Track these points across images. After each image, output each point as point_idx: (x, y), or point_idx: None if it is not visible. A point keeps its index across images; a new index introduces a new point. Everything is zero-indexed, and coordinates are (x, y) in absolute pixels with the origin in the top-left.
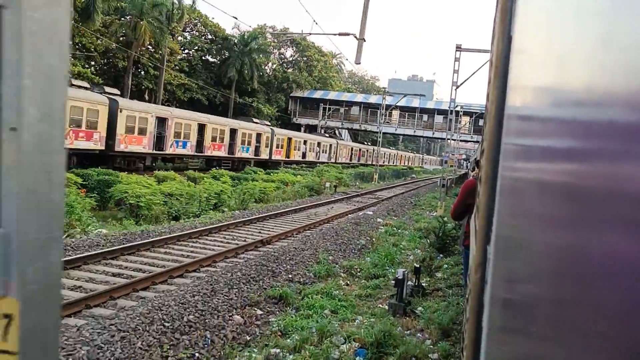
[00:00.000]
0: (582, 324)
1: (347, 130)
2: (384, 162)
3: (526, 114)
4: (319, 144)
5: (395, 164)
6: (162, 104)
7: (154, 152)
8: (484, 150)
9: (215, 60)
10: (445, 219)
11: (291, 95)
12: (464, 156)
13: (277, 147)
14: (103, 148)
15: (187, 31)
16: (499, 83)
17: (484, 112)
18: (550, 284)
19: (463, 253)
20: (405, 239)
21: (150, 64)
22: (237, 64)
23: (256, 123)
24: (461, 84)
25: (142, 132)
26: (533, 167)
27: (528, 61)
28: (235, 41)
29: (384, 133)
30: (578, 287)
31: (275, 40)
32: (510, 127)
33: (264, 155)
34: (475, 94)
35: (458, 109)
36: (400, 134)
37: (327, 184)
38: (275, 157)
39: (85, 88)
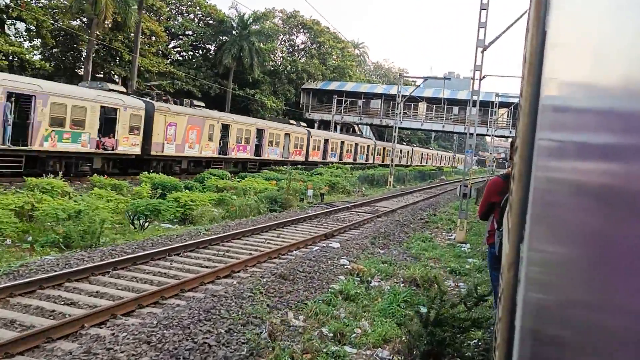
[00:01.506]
0: (619, 327)
1: (368, 127)
2: (410, 162)
3: (561, 110)
4: (401, 150)
5: (423, 163)
6: (140, 95)
7: (323, 160)
8: (517, 147)
9: (213, 47)
10: (467, 247)
11: (303, 87)
12: (502, 155)
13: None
14: (304, 159)
15: (182, 14)
16: (533, 79)
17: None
18: (586, 285)
19: (488, 251)
20: (373, 309)
21: (123, 48)
22: (234, 50)
23: (361, 137)
24: (490, 44)
25: (318, 148)
26: (568, 165)
27: (564, 55)
28: (233, 24)
29: (409, 129)
30: (615, 290)
31: (285, 25)
32: (544, 124)
33: (361, 160)
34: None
35: (493, 98)
36: (427, 130)
37: (310, 192)
38: (368, 161)
39: (297, 125)
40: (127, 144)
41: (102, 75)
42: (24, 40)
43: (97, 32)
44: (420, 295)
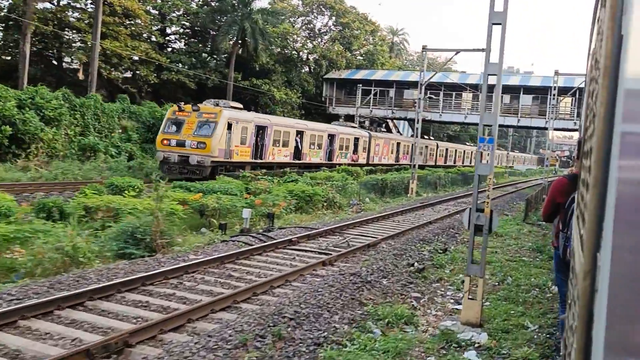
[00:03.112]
0: None
1: (406, 122)
2: (455, 162)
3: None
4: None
5: (405, 161)
6: (103, 89)
7: (452, 164)
8: (590, 148)
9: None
10: (480, 344)
11: (325, 76)
12: (566, 153)
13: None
14: (444, 163)
15: None
16: (612, 44)
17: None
18: None
19: (554, 253)
20: None
21: (85, 28)
22: (233, 32)
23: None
24: None
25: (446, 157)
26: None
27: None
28: (234, 1)
29: (450, 123)
30: None
31: (305, 7)
32: (630, 111)
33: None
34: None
35: (551, 83)
36: (471, 123)
37: (246, 213)
38: (457, 163)
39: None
40: (361, 158)
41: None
42: None
43: (40, 5)
44: None
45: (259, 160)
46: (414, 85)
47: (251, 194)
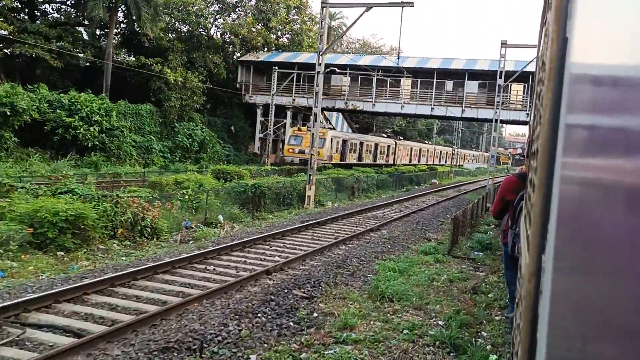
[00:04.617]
0: None
1: (339, 114)
2: (394, 161)
3: (603, 81)
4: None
5: (415, 162)
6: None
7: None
8: (535, 152)
9: None
10: None
11: (240, 59)
12: (519, 150)
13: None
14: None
15: None
16: (559, 28)
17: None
18: (620, 299)
19: (502, 250)
20: None
21: None
22: None
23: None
24: None
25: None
26: (616, 161)
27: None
28: None
29: (385, 114)
30: None
31: None
32: (575, 102)
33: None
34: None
35: (499, 66)
36: (407, 115)
37: None
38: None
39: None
40: (390, 160)
41: None
42: None
43: None
44: None
45: (343, 162)
46: (341, 68)
47: None
